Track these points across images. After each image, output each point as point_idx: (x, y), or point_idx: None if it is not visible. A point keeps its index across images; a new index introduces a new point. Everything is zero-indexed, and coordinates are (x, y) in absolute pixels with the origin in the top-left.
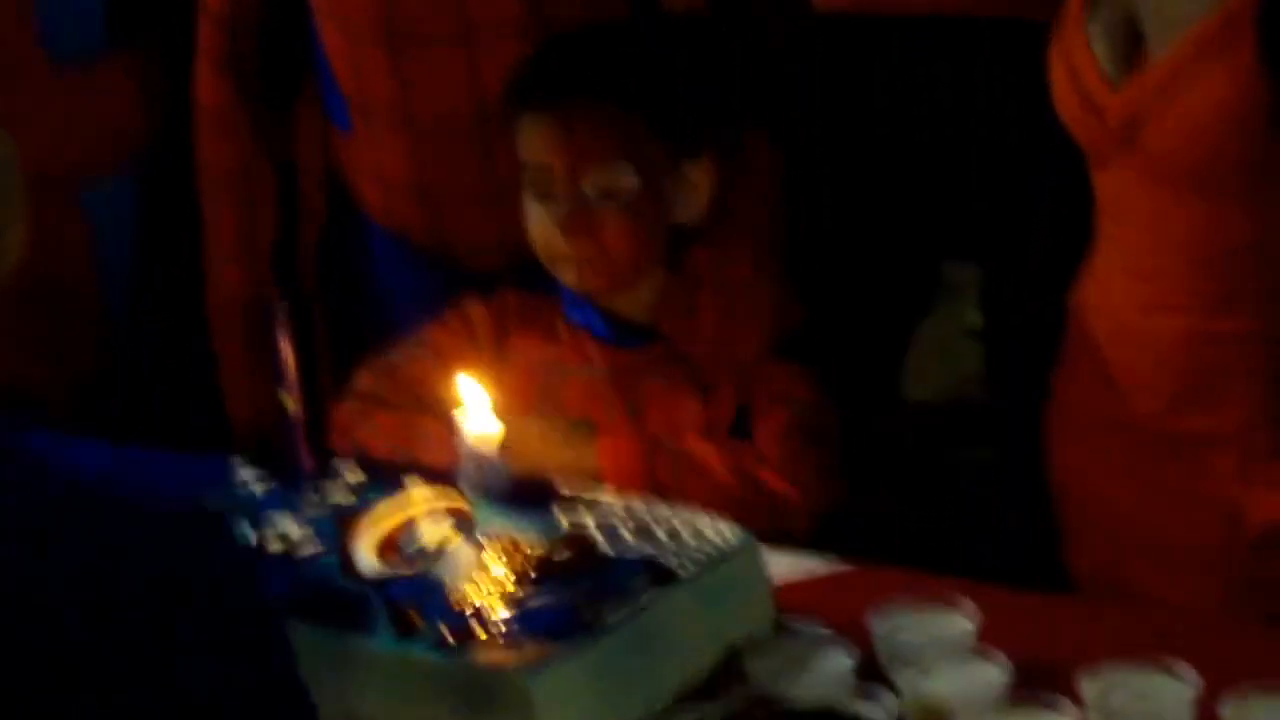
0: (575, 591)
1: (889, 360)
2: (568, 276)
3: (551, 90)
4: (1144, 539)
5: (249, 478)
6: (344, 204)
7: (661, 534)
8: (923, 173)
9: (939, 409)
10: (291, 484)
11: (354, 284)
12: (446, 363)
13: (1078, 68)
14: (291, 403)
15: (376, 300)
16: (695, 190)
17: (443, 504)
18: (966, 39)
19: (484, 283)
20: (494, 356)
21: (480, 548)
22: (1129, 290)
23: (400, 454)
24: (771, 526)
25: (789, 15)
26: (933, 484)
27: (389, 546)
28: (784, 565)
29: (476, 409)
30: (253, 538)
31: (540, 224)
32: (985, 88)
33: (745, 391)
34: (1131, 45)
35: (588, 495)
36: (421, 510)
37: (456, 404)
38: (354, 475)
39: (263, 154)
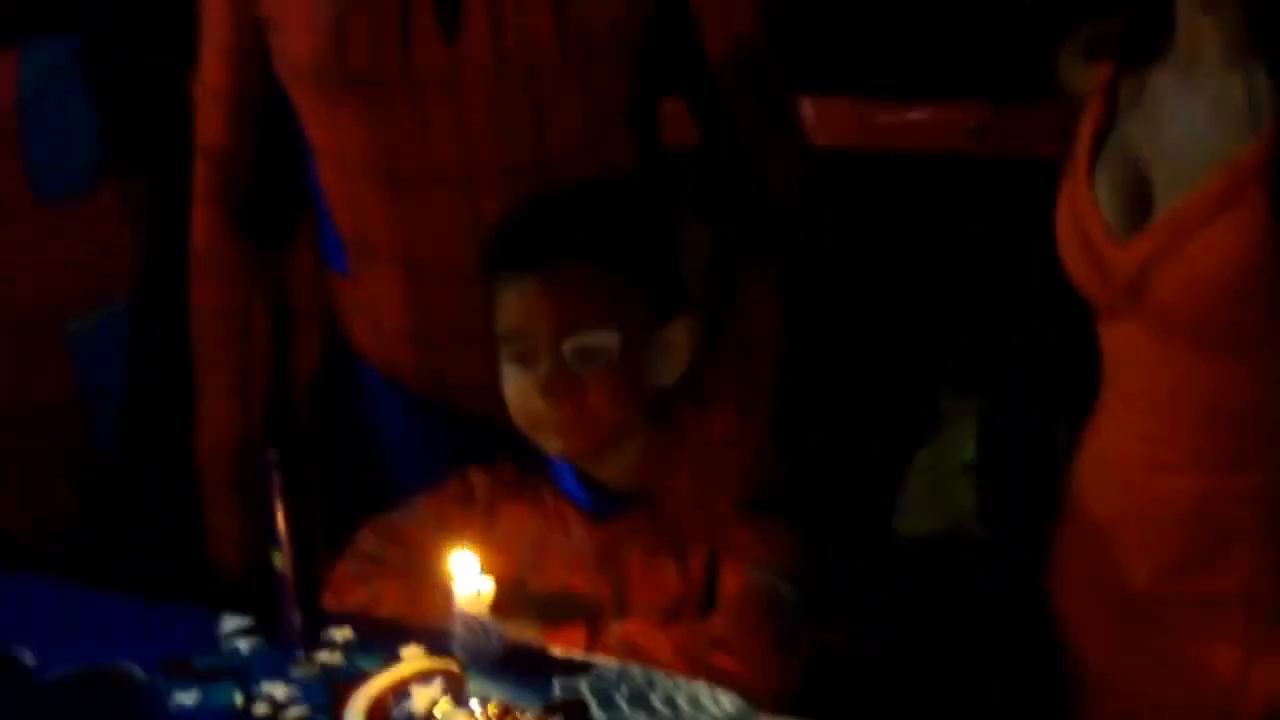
0: None
1: (883, 493)
2: (550, 443)
3: (533, 254)
4: (1148, 705)
5: (236, 635)
6: (338, 347)
7: (658, 702)
8: (923, 306)
9: (931, 542)
10: (280, 643)
11: (349, 429)
12: (447, 529)
13: (1083, 221)
14: (282, 559)
15: (372, 445)
16: (675, 350)
17: (435, 667)
18: (968, 176)
19: (481, 427)
20: (487, 524)
21: (471, 713)
22: (1133, 448)
23: (402, 619)
24: None
25: (788, 152)
26: (928, 631)
27: (378, 711)
28: None
29: (468, 572)
30: (238, 700)
31: (520, 390)
32: (990, 224)
33: (716, 554)
34: (1138, 199)
35: (583, 660)
36: (413, 674)
37: (450, 571)
38: (343, 634)
39: (258, 295)
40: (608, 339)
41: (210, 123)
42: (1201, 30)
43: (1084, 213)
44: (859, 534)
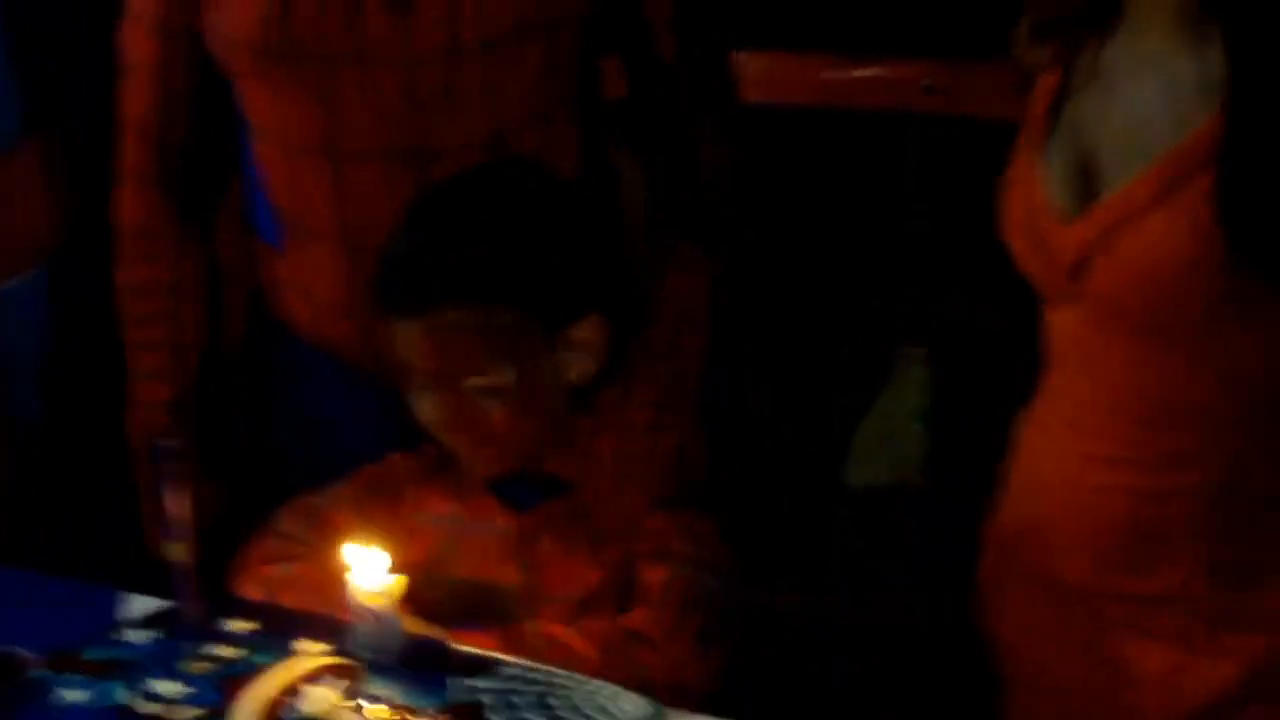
0: None
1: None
2: (465, 465)
3: (418, 299)
4: (1081, 703)
5: (133, 626)
6: (263, 318)
7: (559, 705)
8: (877, 256)
9: (879, 494)
10: (178, 636)
11: (276, 403)
12: (365, 514)
13: (1031, 200)
14: (181, 550)
15: (301, 419)
16: (587, 348)
17: (332, 665)
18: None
19: None
20: (408, 511)
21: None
22: (1070, 440)
23: (308, 606)
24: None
25: (718, 108)
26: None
27: (270, 714)
28: None
29: (372, 566)
30: (126, 699)
31: (426, 413)
32: (943, 178)
33: (635, 546)
34: (1087, 180)
35: (488, 659)
36: (308, 672)
37: (352, 564)
38: (243, 626)
39: (188, 272)
40: (501, 377)
41: (138, 98)
42: (1156, 3)
43: (1033, 192)
44: (806, 488)
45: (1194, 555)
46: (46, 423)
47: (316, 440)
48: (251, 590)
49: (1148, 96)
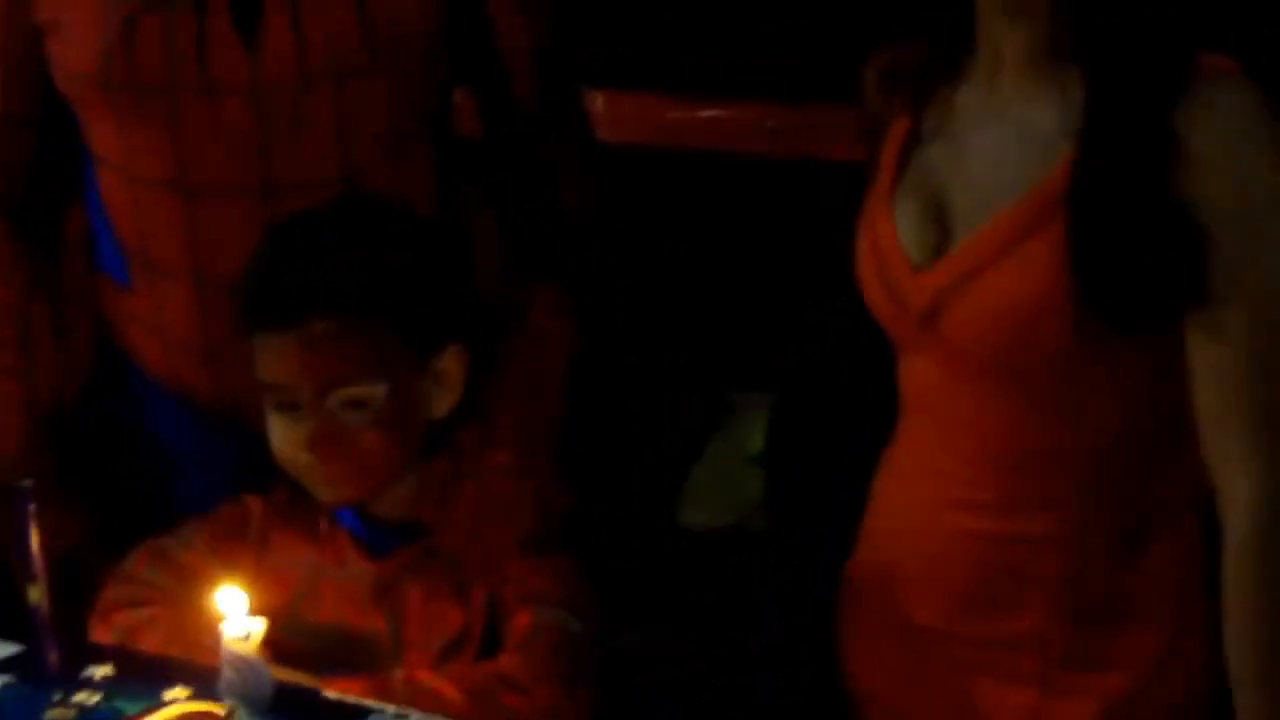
0: None
1: (669, 487)
2: (320, 492)
3: (285, 311)
4: None
5: None
6: (109, 357)
7: None
8: (715, 301)
9: (717, 536)
10: (38, 682)
11: (124, 443)
12: (220, 556)
13: (882, 248)
14: (38, 593)
15: (150, 458)
16: (447, 381)
17: (200, 711)
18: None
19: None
20: (261, 553)
21: None
22: (928, 483)
23: (167, 650)
24: None
25: (578, 151)
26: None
27: None
28: None
29: (237, 609)
30: None
31: (285, 440)
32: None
33: (499, 590)
34: (939, 228)
35: (358, 705)
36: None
37: (218, 608)
38: (104, 671)
39: (37, 300)
40: (373, 390)
41: None
42: (1002, 38)
43: (883, 240)
44: (642, 528)
45: (1050, 597)
46: None
47: (166, 477)
48: (104, 635)
49: (998, 144)
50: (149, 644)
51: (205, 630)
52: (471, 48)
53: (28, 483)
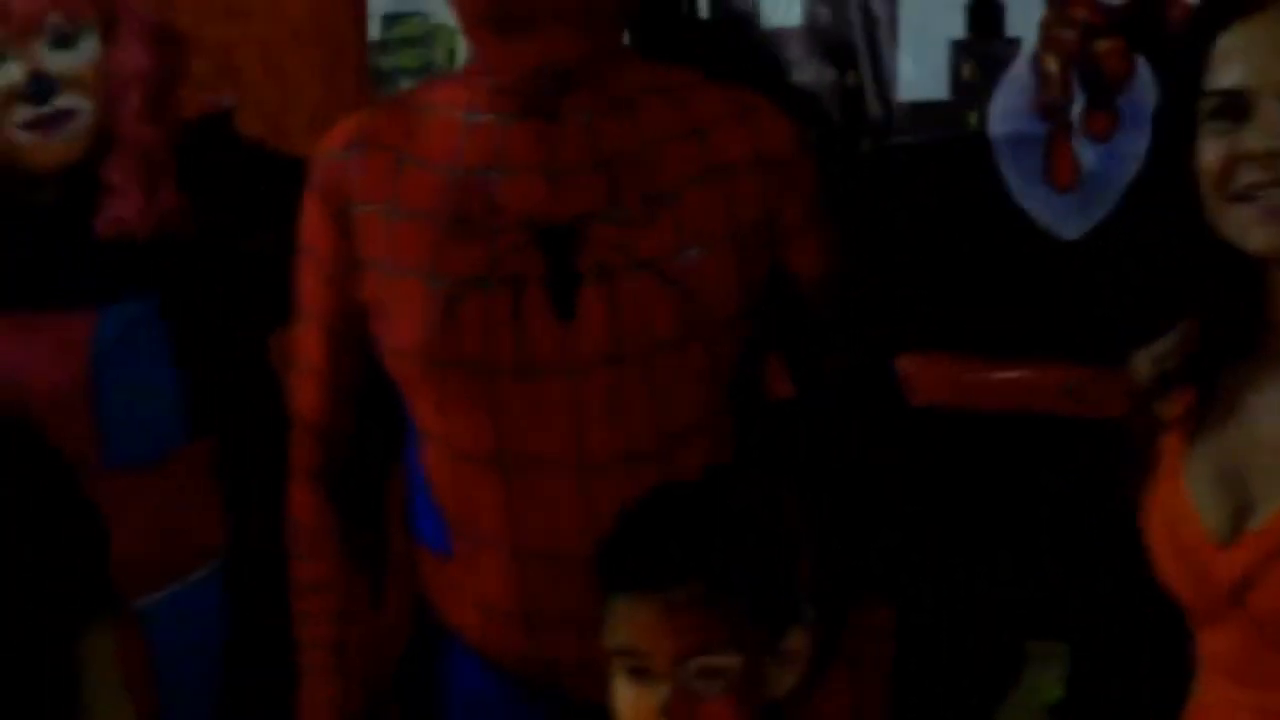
0: None
1: None
2: None
3: (651, 575)
4: None
5: None
6: (424, 630)
7: None
8: (1012, 552)
9: None
10: None
11: (438, 713)
12: None
13: (1178, 525)
14: None
15: None
16: (791, 661)
17: None
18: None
19: (587, 713)
20: None
21: None
22: None
23: None
24: None
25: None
26: None
27: None
28: None
29: None
30: None
31: (634, 707)
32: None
33: None
34: (1236, 503)
35: None
36: None
37: None
38: None
39: (356, 570)
40: (729, 660)
41: (308, 397)
42: None
43: (1180, 517)
44: None
45: None
46: None
47: None
48: None
49: None
50: None
51: None
52: (783, 321)
53: None
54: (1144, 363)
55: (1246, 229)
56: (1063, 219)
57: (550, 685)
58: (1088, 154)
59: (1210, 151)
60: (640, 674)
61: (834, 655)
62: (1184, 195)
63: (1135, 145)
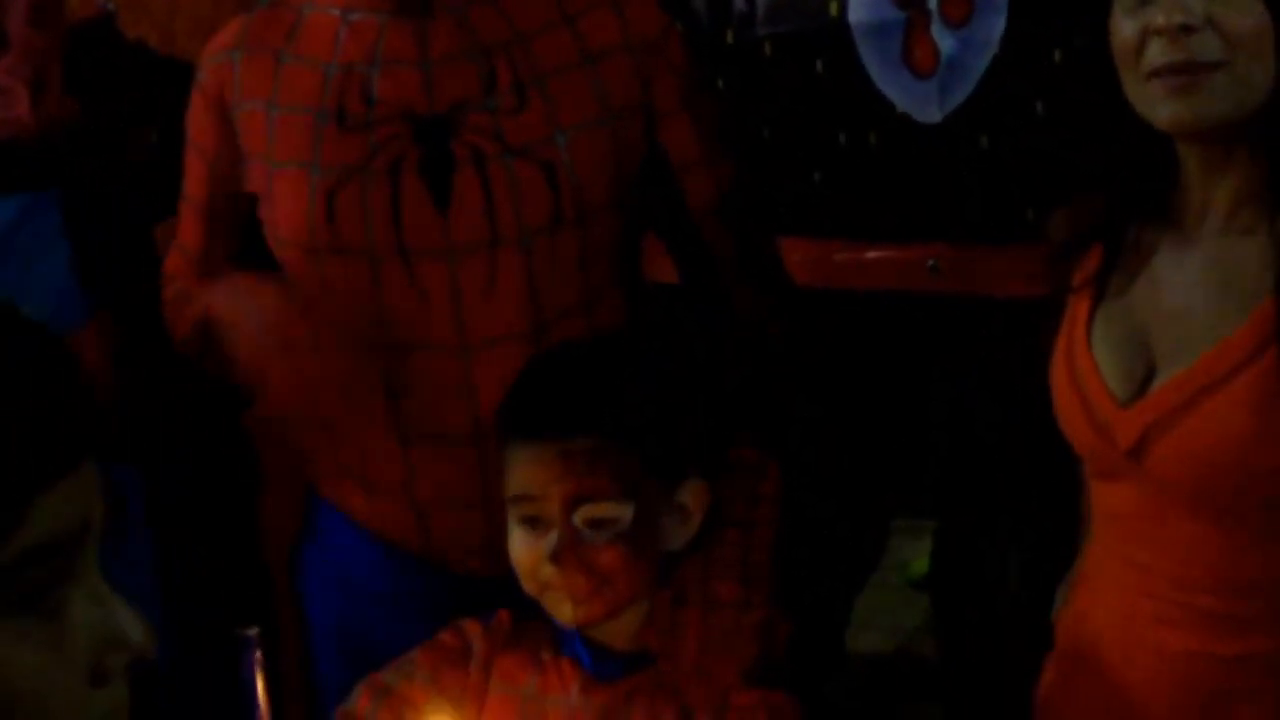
0: None
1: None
2: (560, 610)
3: (547, 422)
4: None
5: None
6: (314, 507)
7: None
8: (882, 431)
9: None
10: None
11: (331, 590)
12: (441, 686)
13: (1083, 382)
14: None
15: (356, 606)
16: (688, 514)
17: None
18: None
19: (474, 588)
20: (482, 680)
21: None
22: (1140, 605)
23: None
24: None
25: (774, 297)
26: None
27: None
28: None
29: None
30: None
31: (529, 554)
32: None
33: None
34: (1139, 363)
35: None
36: None
37: None
38: None
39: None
40: (620, 509)
41: (178, 267)
42: (1206, 187)
43: (1084, 375)
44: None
45: (1265, 716)
46: None
47: (373, 628)
48: None
49: (1202, 281)
50: None
51: None
52: (661, 203)
53: (253, 630)
54: (1061, 223)
55: (1155, 104)
56: (923, 104)
57: (436, 562)
58: (946, 40)
59: (1125, 29)
60: (533, 521)
61: (721, 514)
62: (1103, 71)
63: (991, 31)
